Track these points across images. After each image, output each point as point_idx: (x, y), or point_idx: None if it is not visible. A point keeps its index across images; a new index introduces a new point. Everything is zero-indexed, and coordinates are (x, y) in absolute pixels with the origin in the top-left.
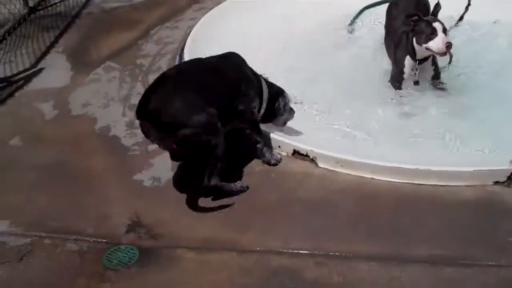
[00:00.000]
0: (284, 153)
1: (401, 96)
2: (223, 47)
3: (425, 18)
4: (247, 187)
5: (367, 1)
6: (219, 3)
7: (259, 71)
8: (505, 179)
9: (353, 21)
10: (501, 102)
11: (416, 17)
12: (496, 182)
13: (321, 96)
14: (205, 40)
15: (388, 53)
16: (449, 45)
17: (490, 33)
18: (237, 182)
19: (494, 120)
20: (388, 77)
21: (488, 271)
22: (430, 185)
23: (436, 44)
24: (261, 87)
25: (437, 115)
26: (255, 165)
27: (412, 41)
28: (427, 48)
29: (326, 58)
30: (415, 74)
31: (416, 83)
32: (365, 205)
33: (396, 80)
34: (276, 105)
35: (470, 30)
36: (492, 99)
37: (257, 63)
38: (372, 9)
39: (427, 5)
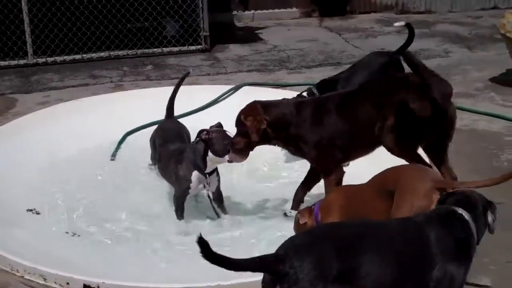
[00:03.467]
0: None
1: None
2: None
3: (216, 129)
4: None
5: (129, 127)
6: None
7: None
8: None
9: (117, 147)
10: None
11: (206, 131)
12: None
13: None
14: None
15: (165, 177)
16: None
17: None
18: None
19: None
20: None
21: None
22: None
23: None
24: None
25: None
26: None
27: (206, 154)
28: (229, 160)
29: (89, 185)
30: (205, 187)
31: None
32: None
33: (181, 201)
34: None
35: None
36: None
37: (16, 194)
38: (135, 134)
39: (188, 134)
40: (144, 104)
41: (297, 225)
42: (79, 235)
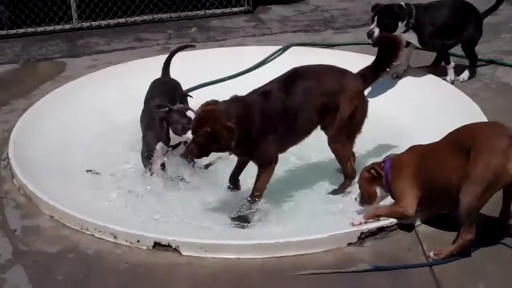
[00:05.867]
0: (144, 247)
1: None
2: (48, 145)
3: (177, 108)
4: None
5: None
6: (32, 103)
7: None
8: (356, 239)
9: None
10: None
11: (167, 108)
12: (350, 244)
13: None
14: (28, 140)
15: (141, 126)
16: None
17: None
18: None
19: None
20: None
21: None
22: (291, 255)
23: None
24: None
25: None
26: (119, 264)
27: (168, 130)
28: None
29: None
30: (164, 157)
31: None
32: (235, 285)
33: (147, 160)
34: None
35: None
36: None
37: (76, 155)
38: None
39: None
40: (194, 65)
41: (365, 181)
42: (142, 195)
